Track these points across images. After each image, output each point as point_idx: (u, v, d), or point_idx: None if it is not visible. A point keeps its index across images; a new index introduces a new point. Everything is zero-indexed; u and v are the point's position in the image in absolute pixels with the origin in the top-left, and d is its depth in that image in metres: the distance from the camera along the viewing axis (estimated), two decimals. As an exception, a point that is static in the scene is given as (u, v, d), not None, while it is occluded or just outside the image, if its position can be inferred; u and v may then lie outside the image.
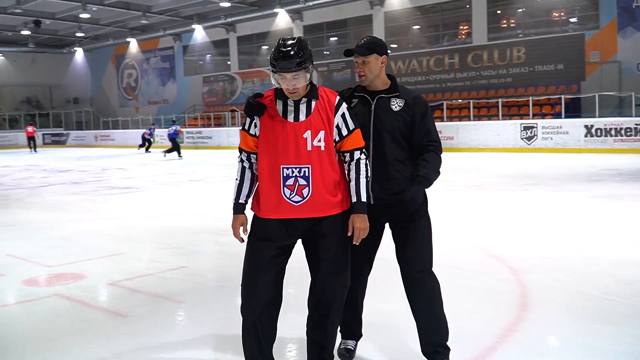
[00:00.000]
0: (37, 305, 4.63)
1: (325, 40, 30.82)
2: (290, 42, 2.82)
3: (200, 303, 4.55)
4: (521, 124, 20.14)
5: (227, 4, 26.42)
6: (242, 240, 3.05)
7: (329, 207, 2.93)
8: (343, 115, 2.98)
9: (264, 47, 32.85)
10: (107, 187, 13.25)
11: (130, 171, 17.58)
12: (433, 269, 3.23)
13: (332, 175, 2.94)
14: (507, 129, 20.34)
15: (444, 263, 4.99)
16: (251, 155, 3.02)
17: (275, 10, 28.87)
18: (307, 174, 2.87)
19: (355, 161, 3.03)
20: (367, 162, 3.06)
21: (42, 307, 4.59)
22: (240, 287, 2.99)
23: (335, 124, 2.95)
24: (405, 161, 3.17)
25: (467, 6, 25.55)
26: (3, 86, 41.02)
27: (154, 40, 37.78)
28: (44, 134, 38.16)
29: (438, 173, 3.18)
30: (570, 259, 5.52)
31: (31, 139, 31.61)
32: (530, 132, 19.67)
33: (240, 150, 3.06)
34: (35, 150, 31.44)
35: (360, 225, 2.97)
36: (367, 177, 3.04)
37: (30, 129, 32.11)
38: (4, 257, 6.33)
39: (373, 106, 3.18)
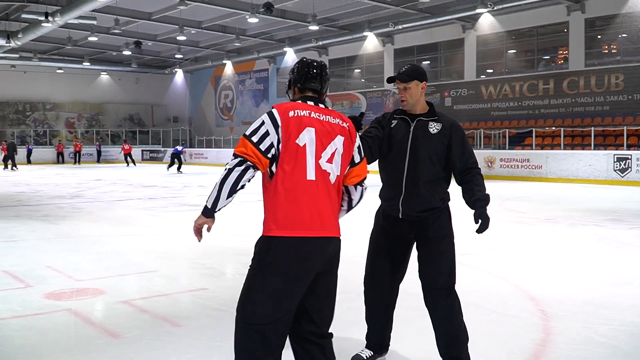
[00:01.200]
0: (41, 319, 4.66)
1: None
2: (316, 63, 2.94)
3: (198, 329, 4.41)
4: (615, 154, 18.88)
5: (315, 27, 26.64)
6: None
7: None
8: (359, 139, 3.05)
9: (356, 71, 32.96)
10: (178, 204, 13.52)
11: (209, 189, 17.91)
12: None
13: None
14: (599, 160, 19.12)
15: (472, 300, 4.60)
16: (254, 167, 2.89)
17: (365, 33, 28.85)
18: None
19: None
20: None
21: (43, 321, 4.62)
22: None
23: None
24: (436, 181, 3.42)
25: (565, 30, 24.44)
26: (108, 103, 43.40)
27: (250, 63, 38.81)
28: (142, 150, 39.98)
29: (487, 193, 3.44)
30: (616, 308, 4.93)
31: (128, 155, 33.65)
32: (624, 164, 18.39)
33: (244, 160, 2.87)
34: (134, 164, 33.53)
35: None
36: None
37: (126, 146, 34.44)
38: (43, 268, 6.49)
39: (412, 127, 3.44)
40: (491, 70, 27.27)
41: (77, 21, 25.06)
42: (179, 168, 26.85)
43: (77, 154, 36.70)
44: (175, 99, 45.28)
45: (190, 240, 8.41)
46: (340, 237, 2.85)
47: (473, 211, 3.32)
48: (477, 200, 3.31)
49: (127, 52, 33.16)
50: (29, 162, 34.91)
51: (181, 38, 28.76)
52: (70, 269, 6.42)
